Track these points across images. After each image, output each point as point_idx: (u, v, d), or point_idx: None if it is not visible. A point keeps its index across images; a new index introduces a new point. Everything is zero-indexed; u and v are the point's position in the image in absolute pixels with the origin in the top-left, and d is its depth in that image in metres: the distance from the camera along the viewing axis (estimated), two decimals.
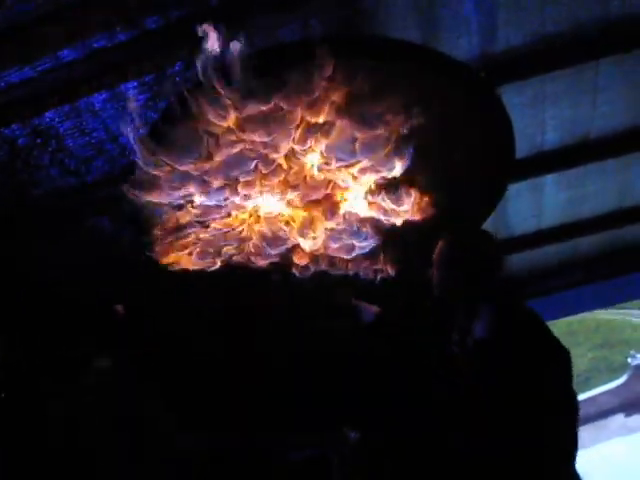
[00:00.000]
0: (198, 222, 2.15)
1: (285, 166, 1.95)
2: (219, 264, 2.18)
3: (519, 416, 1.63)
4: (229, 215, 2.12)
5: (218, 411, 3.10)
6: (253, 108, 1.70)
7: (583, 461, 1.72)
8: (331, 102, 1.71)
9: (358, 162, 1.88)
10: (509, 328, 1.71)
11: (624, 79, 2.60)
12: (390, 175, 1.91)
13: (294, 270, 2.25)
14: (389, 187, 2.01)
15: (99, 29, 2.06)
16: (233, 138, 1.81)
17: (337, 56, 1.60)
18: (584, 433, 1.73)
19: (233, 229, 2.14)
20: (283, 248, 2.15)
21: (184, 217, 2.09)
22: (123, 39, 2.09)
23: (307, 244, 2.06)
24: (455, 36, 2.28)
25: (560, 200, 3.40)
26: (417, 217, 2.02)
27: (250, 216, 2.13)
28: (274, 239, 2.08)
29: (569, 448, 1.67)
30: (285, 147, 1.85)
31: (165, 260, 2.10)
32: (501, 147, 1.96)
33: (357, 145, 1.81)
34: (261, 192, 2.00)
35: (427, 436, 1.89)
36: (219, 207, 2.07)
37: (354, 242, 2.13)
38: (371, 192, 1.99)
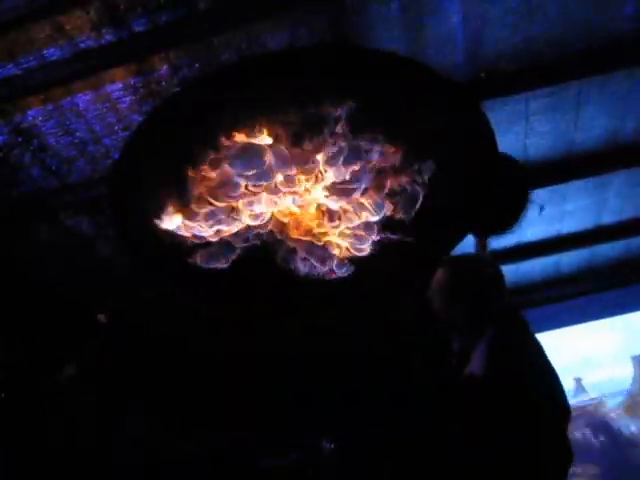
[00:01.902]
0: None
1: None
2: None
3: (512, 429, 1.61)
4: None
5: (203, 414, 3.07)
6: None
7: None
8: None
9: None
10: (508, 356, 1.70)
11: (606, 98, 2.64)
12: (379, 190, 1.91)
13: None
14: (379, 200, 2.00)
15: (86, 29, 2.05)
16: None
17: (322, 66, 1.60)
18: None
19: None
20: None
21: None
22: (110, 40, 2.09)
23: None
24: (441, 51, 2.30)
25: (541, 215, 3.43)
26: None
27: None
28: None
29: (563, 461, 1.66)
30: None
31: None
32: (485, 161, 1.97)
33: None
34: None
35: (425, 437, 1.88)
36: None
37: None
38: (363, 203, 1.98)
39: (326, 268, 2.08)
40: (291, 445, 2.96)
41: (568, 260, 4.00)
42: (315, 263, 2.07)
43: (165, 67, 2.22)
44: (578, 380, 6.64)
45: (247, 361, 3.21)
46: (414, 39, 2.24)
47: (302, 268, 2.08)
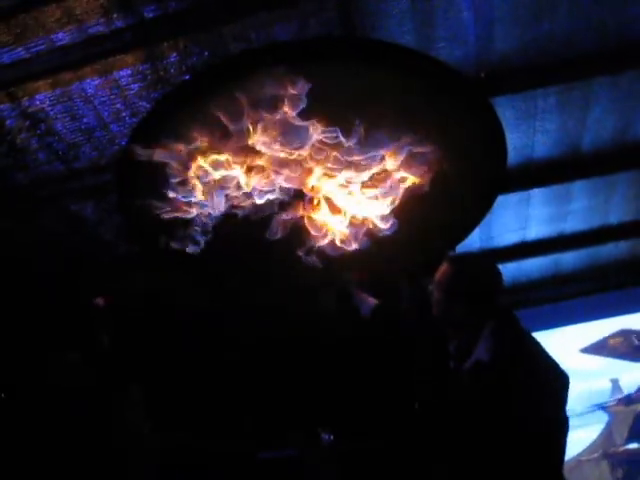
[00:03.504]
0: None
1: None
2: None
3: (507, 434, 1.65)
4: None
5: (195, 409, 3.09)
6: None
7: None
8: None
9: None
10: (508, 353, 1.72)
11: (615, 98, 2.63)
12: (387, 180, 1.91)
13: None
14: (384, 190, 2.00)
15: (96, 14, 2.04)
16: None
17: (330, 57, 1.60)
18: None
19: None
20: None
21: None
22: (120, 26, 2.08)
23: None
24: (451, 46, 2.29)
25: (545, 214, 3.43)
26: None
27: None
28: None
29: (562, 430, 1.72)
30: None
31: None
32: (494, 157, 1.97)
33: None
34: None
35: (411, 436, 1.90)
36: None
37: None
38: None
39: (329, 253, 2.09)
40: (290, 438, 2.98)
41: (569, 259, 4.00)
42: (319, 249, 2.07)
43: (174, 54, 2.22)
44: (615, 381, 6.71)
45: (246, 347, 3.22)
46: (425, 33, 2.23)
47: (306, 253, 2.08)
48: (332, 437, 2.96)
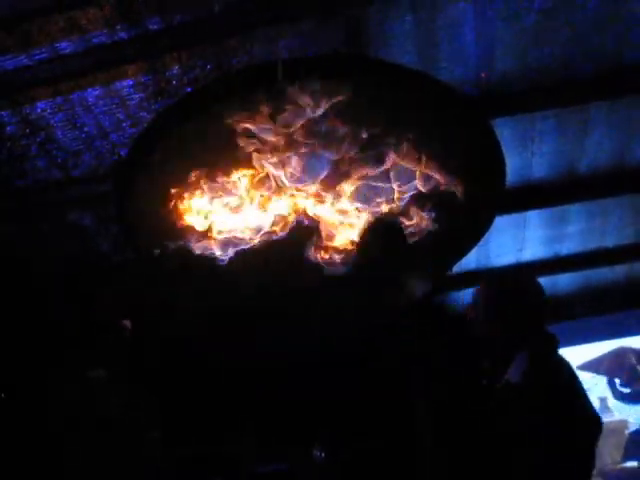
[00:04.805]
0: None
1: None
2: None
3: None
4: None
5: (191, 422, 3.07)
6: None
7: None
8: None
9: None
10: (542, 379, 1.71)
11: (614, 122, 2.65)
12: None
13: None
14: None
15: (100, 25, 2.06)
16: None
17: (329, 74, 1.61)
18: None
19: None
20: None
21: None
22: (123, 37, 2.09)
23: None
24: (452, 66, 2.31)
25: (541, 236, 3.44)
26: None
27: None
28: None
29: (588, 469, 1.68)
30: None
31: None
32: (492, 176, 1.98)
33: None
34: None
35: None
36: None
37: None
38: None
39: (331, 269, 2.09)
40: (284, 453, 2.96)
41: (565, 282, 3.99)
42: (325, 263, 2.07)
43: (177, 67, 2.23)
44: (603, 400, 6.66)
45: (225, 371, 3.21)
46: (427, 54, 2.25)
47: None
48: (323, 454, 2.94)
